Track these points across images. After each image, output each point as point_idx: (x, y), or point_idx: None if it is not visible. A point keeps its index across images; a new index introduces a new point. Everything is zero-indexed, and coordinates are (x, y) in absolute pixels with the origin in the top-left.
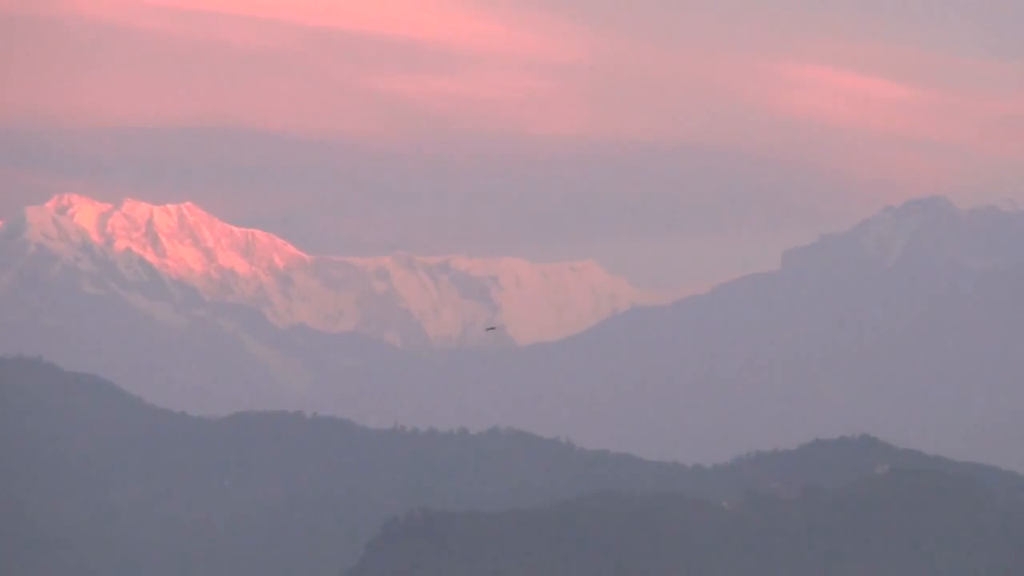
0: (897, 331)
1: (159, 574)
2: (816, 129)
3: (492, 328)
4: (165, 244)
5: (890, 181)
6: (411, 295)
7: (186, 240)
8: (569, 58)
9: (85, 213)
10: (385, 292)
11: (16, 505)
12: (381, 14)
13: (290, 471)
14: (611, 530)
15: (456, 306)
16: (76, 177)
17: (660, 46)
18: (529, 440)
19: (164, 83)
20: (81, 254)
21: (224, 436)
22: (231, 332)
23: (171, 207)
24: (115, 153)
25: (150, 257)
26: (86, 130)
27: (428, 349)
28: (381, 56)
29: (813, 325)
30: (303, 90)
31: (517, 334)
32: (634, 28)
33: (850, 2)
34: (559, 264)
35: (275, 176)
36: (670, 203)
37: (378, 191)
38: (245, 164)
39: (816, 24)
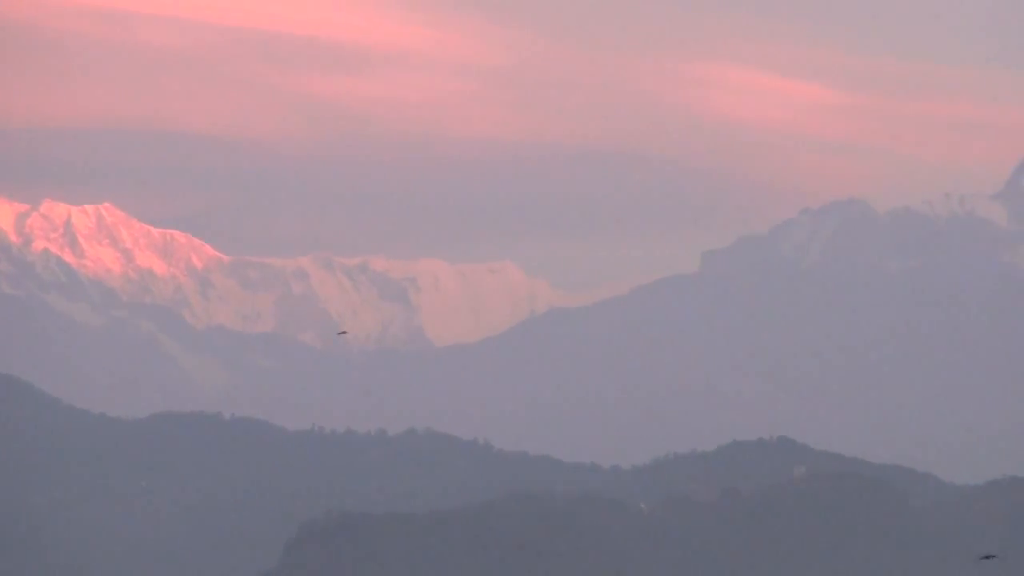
0: (814, 333)
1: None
2: (735, 131)
3: (343, 332)
4: (83, 245)
5: (808, 183)
6: (329, 296)
7: (104, 241)
8: (489, 61)
9: (2, 213)
10: (303, 293)
11: None
12: (300, 15)
13: (208, 472)
14: (529, 532)
15: (375, 307)
16: None
17: (581, 49)
18: (447, 441)
19: (82, 84)
20: None
21: (142, 437)
22: (149, 333)
23: (89, 208)
24: (33, 153)
25: (68, 258)
26: (3, 131)
27: (346, 350)
28: (300, 57)
29: (731, 326)
30: (223, 91)
31: (435, 335)
32: (555, 31)
33: (769, 4)
34: (478, 265)
35: (193, 177)
36: (589, 205)
37: (297, 192)
38: (163, 165)
39: (735, 26)
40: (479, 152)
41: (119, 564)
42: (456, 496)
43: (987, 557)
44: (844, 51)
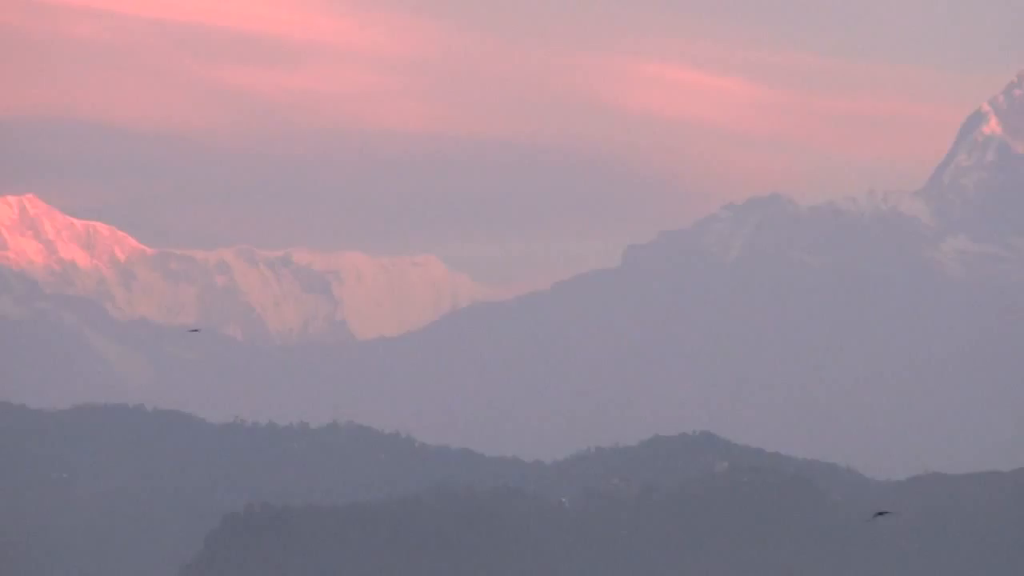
0: (736, 328)
1: None
2: (658, 126)
3: (195, 330)
4: (6, 236)
5: (731, 179)
6: (252, 289)
7: (27, 232)
8: (413, 53)
9: None
10: (226, 286)
11: None
12: (223, 7)
13: (130, 464)
14: (450, 525)
15: (297, 300)
16: None
17: (503, 43)
18: (369, 434)
19: (5, 74)
20: None
21: (64, 429)
22: (72, 325)
23: (12, 199)
24: None
25: None
26: None
27: (269, 343)
28: (223, 49)
29: (654, 321)
30: (146, 83)
31: (358, 328)
32: (477, 25)
33: (692, 0)
34: (400, 259)
35: (117, 169)
36: (512, 199)
37: (220, 184)
38: (87, 156)
39: (657, 22)
40: (402, 145)
41: (39, 557)
42: (377, 489)
43: (880, 514)
44: (768, 47)
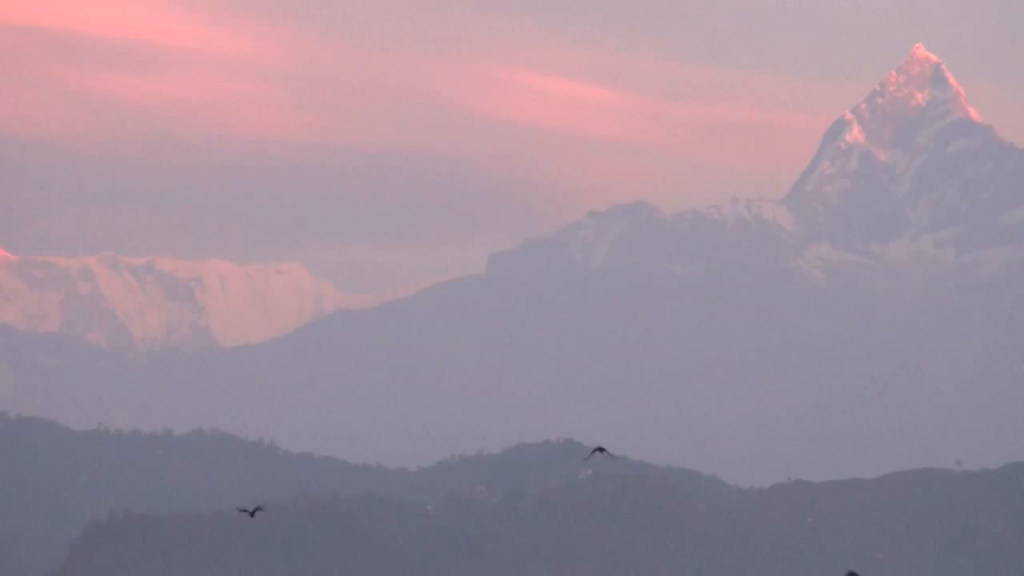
0: (600, 335)
1: None
2: (522, 133)
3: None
4: None
5: (596, 186)
6: (116, 296)
7: None
8: (278, 61)
9: None
10: (90, 293)
11: None
12: (90, 14)
13: None
14: (314, 532)
15: (161, 307)
16: None
17: (366, 50)
18: (233, 442)
19: None
20: None
21: None
22: None
23: None
24: None
25: None
26: None
27: (133, 350)
28: (89, 56)
29: (517, 328)
30: (10, 89)
31: (222, 335)
32: (344, 32)
33: (555, 8)
34: (264, 266)
35: None
36: (377, 206)
37: (84, 191)
38: None
39: (521, 29)
40: (266, 152)
41: None
42: (241, 496)
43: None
44: (633, 55)
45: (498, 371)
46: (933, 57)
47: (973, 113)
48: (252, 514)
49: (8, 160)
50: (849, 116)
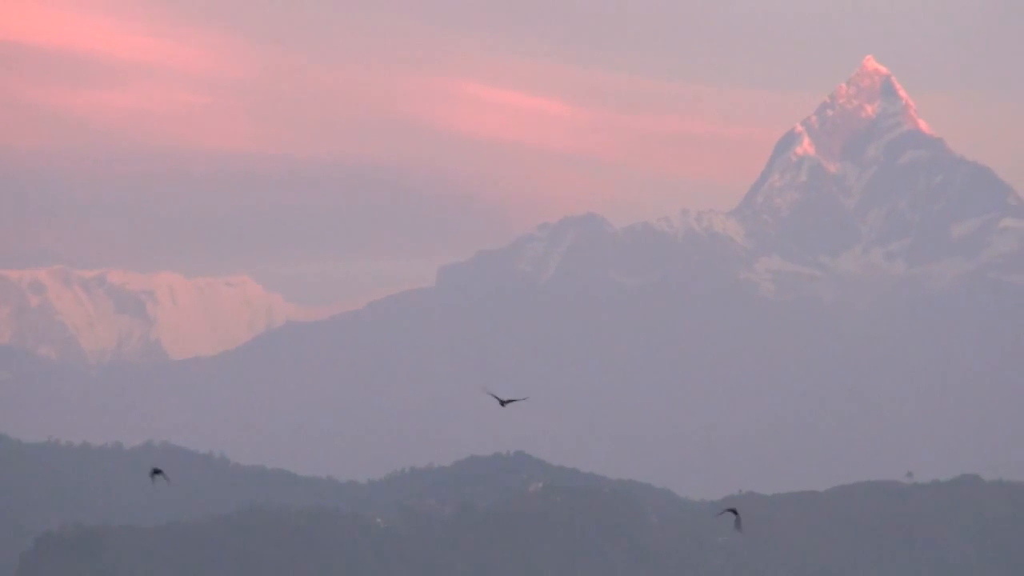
0: (550, 347)
1: None
2: (473, 146)
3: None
4: None
5: (547, 199)
6: (67, 309)
7: None
8: (232, 74)
9: None
10: (40, 305)
11: None
12: (43, 27)
13: None
14: (265, 545)
15: (111, 320)
16: None
17: (320, 63)
18: (184, 455)
19: None
20: None
21: None
22: None
23: None
24: None
25: None
26: None
27: (83, 363)
28: (41, 68)
29: (468, 341)
30: None
31: (172, 348)
32: (297, 45)
33: (507, 22)
34: (214, 279)
35: None
36: (327, 219)
37: (35, 204)
38: None
39: (473, 43)
40: (218, 165)
41: None
42: (192, 509)
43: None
44: (583, 68)
45: (448, 384)
46: (883, 69)
47: (923, 125)
48: (154, 474)
49: None
50: (799, 128)
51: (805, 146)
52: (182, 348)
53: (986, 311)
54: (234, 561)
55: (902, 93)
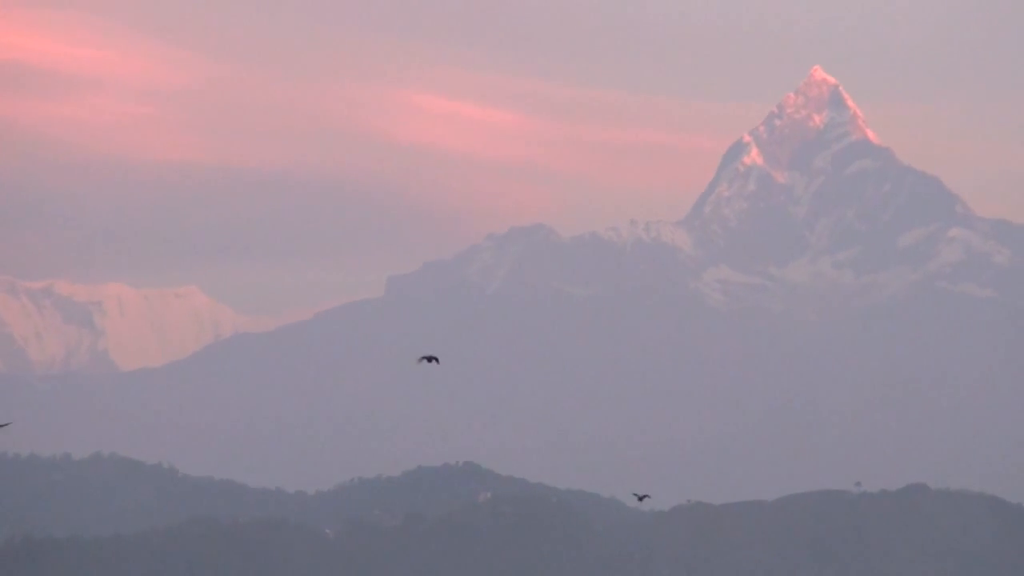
0: (499, 358)
1: None
2: (422, 156)
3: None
4: None
5: (494, 209)
6: (13, 320)
7: None
8: (175, 84)
9: None
10: None
11: None
12: None
13: None
14: (213, 556)
15: (59, 331)
16: None
17: (268, 73)
18: (132, 466)
19: None
20: None
21: None
22: None
23: None
24: None
25: None
26: None
27: (31, 374)
28: None
29: (416, 352)
30: None
31: (120, 359)
32: (242, 54)
33: (456, 32)
34: (162, 290)
35: None
36: (276, 229)
37: None
38: None
39: (421, 53)
40: (165, 175)
41: None
42: (141, 521)
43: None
44: (532, 78)
45: (397, 394)
46: (831, 79)
47: (871, 135)
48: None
49: None
50: (747, 138)
51: (753, 156)
52: (130, 359)
53: (934, 321)
54: (182, 572)
55: (850, 103)
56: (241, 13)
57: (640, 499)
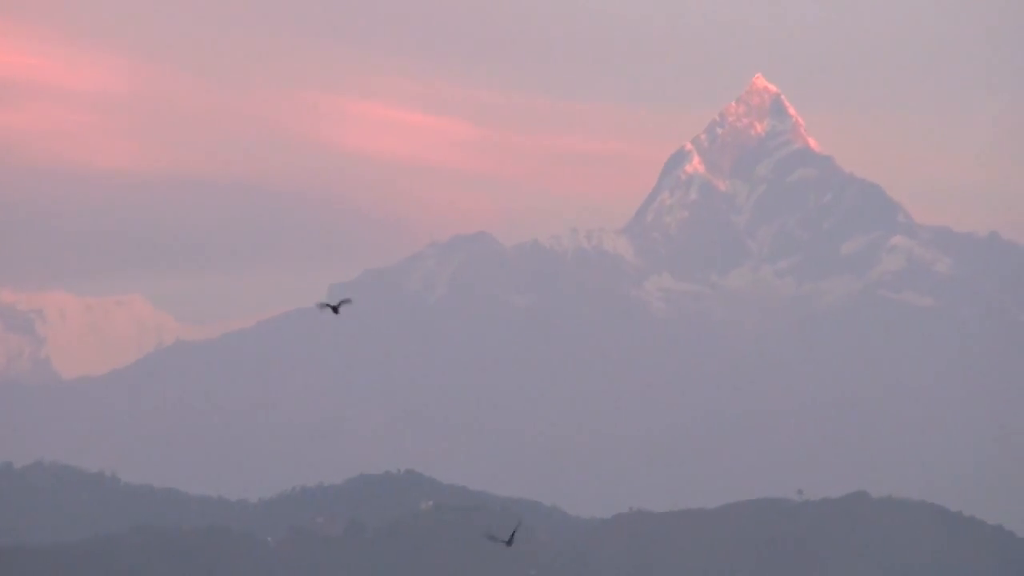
0: (440, 366)
1: None
2: (362, 163)
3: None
4: None
5: (436, 217)
6: None
7: None
8: (121, 92)
9: None
10: None
11: None
12: None
13: None
14: (155, 565)
15: (0, 339)
16: None
17: (210, 80)
18: (74, 474)
19: None
20: None
21: None
22: None
23: None
24: None
25: None
26: None
27: None
28: None
29: (358, 360)
30: None
31: (62, 368)
32: (184, 62)
33: (396, 38)
34: (104, 298)
35: None
36: (217, 237)
37: None
38: None
39: (362, 59)
40: (106, 183)
41: None
42: (83, 529)
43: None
44: (472, 85)
45: (338, 402)
46: (772, 87)
47: (812, 143)
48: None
49: None
50: (689, 146)
51: (695, 164)
52: (72, 367)
53: (875, 329)
54: None
55: (791, 111)
56: (186, 21)
57: (508, 543)
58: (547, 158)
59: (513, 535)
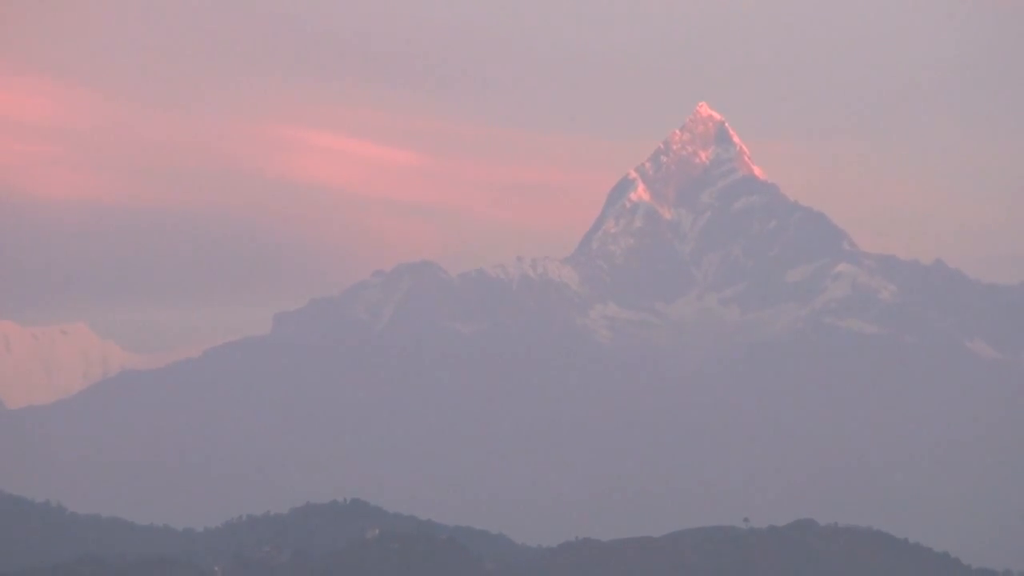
0: (386, 395)
1: None
2: (307, 192)
3: None
4: None
5: (381, 246)
6: None
7: None
8: (62, 122)
9: None
10: None
11: None
12: None
13: None
14: None
15: None
16: None
17: (155, 111)
18: (19, 503)
19: None
20: None
21: None
22: None
23: None
24: None
25: None
26: None
27: None
28: None
29: (303, 388)
30: None
31: (7, 397)
32: (129, 93)
33: (344, 68)
34: (49, 327)
35: None
36: (163, 267)
37: None
38: None
39: (308, 89)
40: (51, 213)
41: None
42: (27, 558)
43: None
44: (417, 115)
45: (284, 431)
46: (717, 115)
47: (757, 171)
48: None
49: None
50: (633, 175)
51: (640, 192)
52: (17, 397)
53: (821, 356)
54: None
55: (736, 139)
56: (136, 53)
57: None
58: (492, 187)
59: None
